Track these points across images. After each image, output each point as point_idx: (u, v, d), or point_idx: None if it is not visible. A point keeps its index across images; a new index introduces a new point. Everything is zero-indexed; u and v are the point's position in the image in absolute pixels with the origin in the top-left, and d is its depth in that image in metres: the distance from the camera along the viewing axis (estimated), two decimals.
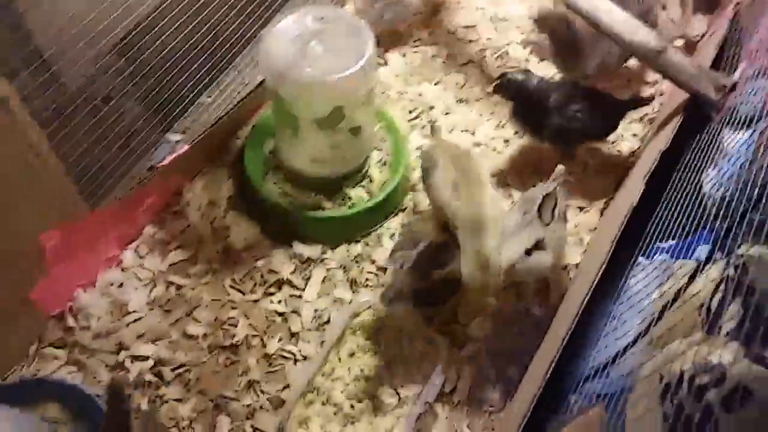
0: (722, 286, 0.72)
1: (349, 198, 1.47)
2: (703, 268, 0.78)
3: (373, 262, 1.42)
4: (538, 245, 1.16)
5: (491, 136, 1.63)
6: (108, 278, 1.35)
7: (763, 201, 0.71)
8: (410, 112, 1.68)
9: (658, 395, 0.71)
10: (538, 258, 1.16)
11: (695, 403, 0.64)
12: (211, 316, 1.32)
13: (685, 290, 0.78)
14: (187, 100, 1.53)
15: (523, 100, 1.46)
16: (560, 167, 1.33)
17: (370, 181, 1.52)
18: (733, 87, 1.17)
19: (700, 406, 0.63)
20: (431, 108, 1.68)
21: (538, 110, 1.44)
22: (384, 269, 1.40)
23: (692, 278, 0.78)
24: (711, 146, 1.08)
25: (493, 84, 1.49)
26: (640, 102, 1.53)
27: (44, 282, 1.23)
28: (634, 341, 0.86)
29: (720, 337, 0.69)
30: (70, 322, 1.29)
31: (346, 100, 1.30)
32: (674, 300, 0.80)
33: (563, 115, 1.43)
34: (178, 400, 1.23)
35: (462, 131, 1.63)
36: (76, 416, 1.16)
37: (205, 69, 1.52)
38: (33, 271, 1.20)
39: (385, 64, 1.77)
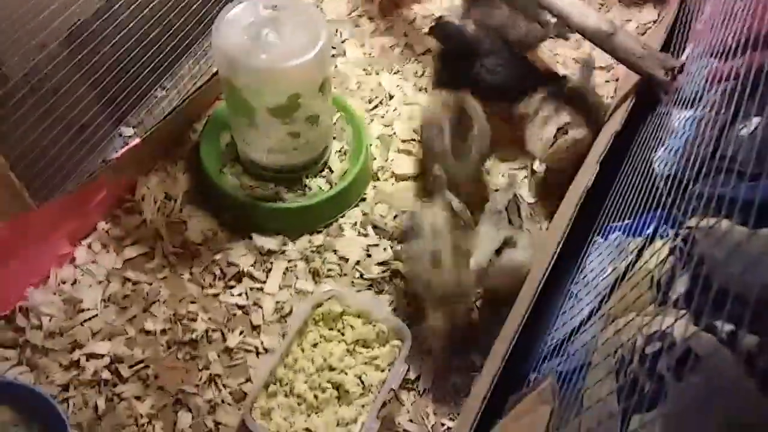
0: (671, 259, 0.74)
1: (309, 188, 1.46)
2: (651, 242, 0.80)
3: (335, 252, 1.41)
4: (507, 243, 1.15)
5: None
6: (60, 276, 1.31)
7: (704, 173, 0.72)
8: (370, 101, 1.67)
9: (612, 367, 0.72)
10: (510, 256, 1.15)
11: (646, 372, 0.65)
12: (169, 312, 1.29)
13: (634, 265, 0.79)
14: (140, 92, 1.49)
15: (455, 46, 1.50)
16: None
17: (330, 171, 1.51)
18: (681, 68, 1.20)
19: (650, 374, 0.64)
20: (391, 97, 1.68)
21: (469, 57, 1.49)
22: (346, 259, 1.40)
23: (641, 252, 0.79)
24: (661, 126, 1.10)
25: (430, 26, 1.55)
26: (553, 76, 1.58)
27: None
28: (588, 317, 0.87)
29: (670, 307, 0.70)
30: (21, 321, 1.25)
31: (301, 87, 1.29)
32: (624, 275, 0.81)
33: (486, 65, 1.49)
34: (137, 398, 1.20)
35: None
36: (30, 418, 1.13)
37: (158, 60, 1.48)
38: None
39: (344, 54, 1.76)
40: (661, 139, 1.05)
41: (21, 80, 1.18)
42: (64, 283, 1.30)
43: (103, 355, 1.23)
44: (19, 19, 1.12)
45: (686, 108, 0.99)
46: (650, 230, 0.87)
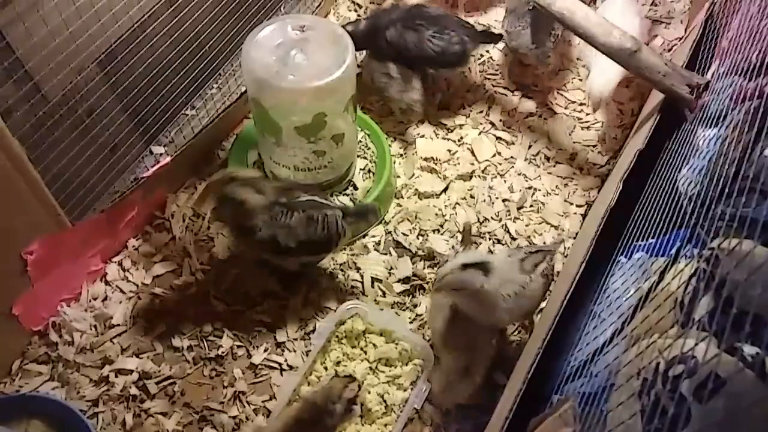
0: (694, 280, 0.73)
1: None
2: (674, 263, 0.79)
3: (358, 269, 1.42)
4: (480, 265, 1.11)
5: (472, 137, 1.64)
6: (92, 292, 1.34)
7: (727, 193, 0.71)
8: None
9: (636, 389, 0.71)
10: (472, 275, 1.10)
11: (669, 394, 0.64)
12: (195, 328, 1.32)
13: (657, 286, 0.78)
14: (171, 112, 1.53)
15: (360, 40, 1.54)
16: (561, 238, 1.43)
17: (355, 188, 1.53)
18: (707, 86, 1.18)
19: (674, 397, 0.63)
20: None
21: (380, 41, 1.58)
22: (369, 277, 1.40)
23: (664, 273, 0.78)
24: (686, 145, 1.09)
25: None
26: (489, 36, 1.64)
27: (27, 297, 1.22)
28: (611, 338, 0.86)
29: (693, 329, 0.69)
30: (54, 337, 1.28)
31: (327, 106, 1.31)
32: (647, 295, 0.80)
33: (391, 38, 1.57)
34: (164, 414, 1.22)
35: (443, 138, 1.64)
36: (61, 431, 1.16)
37: (188, 81, 1.52)
38: (14, 287, 1.19)
39: None
40: (685, 157, 1.03)
41: (59, 101, 1.22)
42: (95, 299, 1.34)
43: (131, 371, 1.25)
44: (59, 44, 1.16)
45: (711, 126, 0.98)
46: (675, 251, 0.86)
